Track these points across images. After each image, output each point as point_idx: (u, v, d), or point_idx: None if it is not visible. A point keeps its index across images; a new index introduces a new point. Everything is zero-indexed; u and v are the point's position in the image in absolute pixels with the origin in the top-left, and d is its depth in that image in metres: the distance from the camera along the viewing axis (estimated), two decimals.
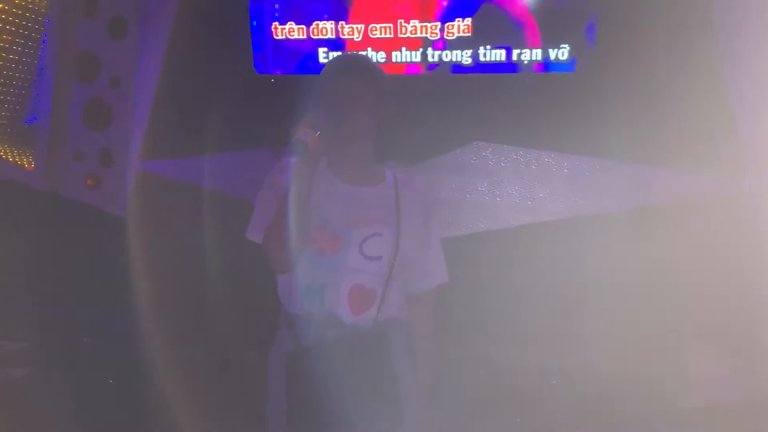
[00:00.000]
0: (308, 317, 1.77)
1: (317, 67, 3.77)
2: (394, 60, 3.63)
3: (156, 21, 3.89)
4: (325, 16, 3.72)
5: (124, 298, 3.27)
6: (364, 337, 1.77)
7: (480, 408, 2.72)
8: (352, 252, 1.76)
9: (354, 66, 1.86)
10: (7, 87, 4.18)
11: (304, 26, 3.75)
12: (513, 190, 3.44)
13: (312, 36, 3.76)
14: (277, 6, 3.76)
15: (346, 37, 3.72)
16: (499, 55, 3.53)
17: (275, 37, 3.79)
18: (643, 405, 2.82)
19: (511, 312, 3.04)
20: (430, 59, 3.63)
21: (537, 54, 3.48)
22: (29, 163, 3.93)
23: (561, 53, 3.43)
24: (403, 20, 3.62)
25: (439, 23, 3.58)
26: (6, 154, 4.02)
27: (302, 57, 3.80)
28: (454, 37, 3.58)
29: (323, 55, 3.77)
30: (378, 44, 3.67)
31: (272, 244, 1.69)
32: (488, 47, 3.52)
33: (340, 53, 3.62)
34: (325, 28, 3.74)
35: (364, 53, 3.54)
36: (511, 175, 3.44)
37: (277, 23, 3.78)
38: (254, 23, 3.83)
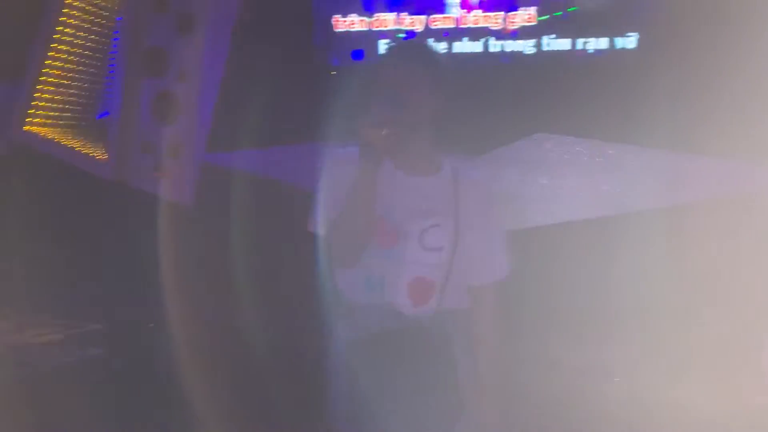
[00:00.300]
0: (368, 308, 1.77)
1: (378, 59, 3.77)
2: (455, 51, 3.60)
3: (221, 16, 3.97)
4: (387, 7, 3.71)
5: (188, 286, 3.36)
6: (425, 329, 1.76)
7: (544, 406, 2.66)
8: (412, 243, 1.73)
9: (412, 53, 1.84)
10: (82, 82, 4.36)
11: (365, 18, 3.76)
12: (575, 183, 3.36)
13: (373, 28, 3.76)
14: None
15: (407, 28, 3.71)
16: (563, 44, 3.44)
17: (336, 29, 3.81)
18: (716, 404, 2.71)
19: (578, 309, 2.96)
20: (491, 49, 3.58)
21: (603, 43, 3.38)
22: (101, 154, 4.09)
23: (629, 42, 3.32)
24: (465, 10, 3.58)
25: (502, 13, 3.52)
26: (80, 145, 4.20)
27: (363, 49, 3.81)
28: (517, 27, 3.51)
29: (384, 46, 3.77)
30: (439, 35, 3.64)
31: (340, 238, 1.69)
32: (553, 36, 3.44)
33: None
34: (386, 20, 3.73)
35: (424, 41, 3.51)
36: (573, 168, 3.36)
37: (338, 16, 3.80)
38: (316, 16, 3.86)
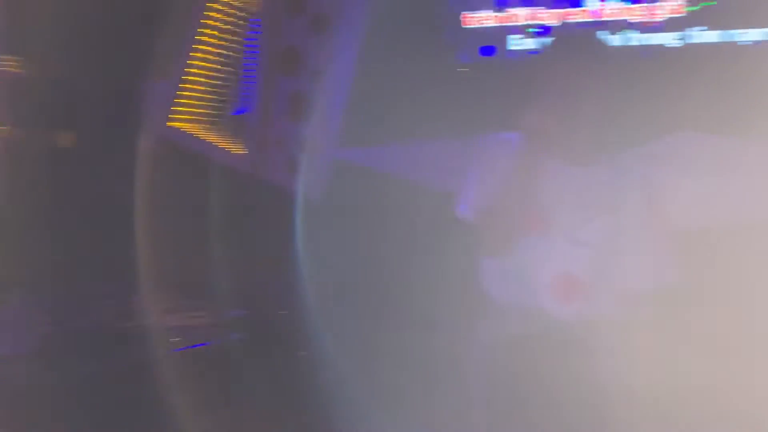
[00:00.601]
0: (511, 305, 1.71)
1: (509, 55, 3.68)
2: None
3: (353, 16, 4.01)
4: (519, 1, 3.61)
5: (318, 280, 3.41)
6: (569, 332, 1.67)
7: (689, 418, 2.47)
8: (562, 236, 1.67)
9: (581, 44, 1.78)
10: (221, 80, 4.56)
11: (496, 13, 3.67)
12: (725, 185, 3.09)
13: (504, 23, 3.66)
14: None
15: (541, 22, 3.58)
16: (713, 36, 3.19)
17: (465, 26, 3.75)
18: None
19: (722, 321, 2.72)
20: (632, 43, 3.38)
21: (760, 35, 3.10)
22: (239, 149, 4.27)
23: None
24: (603, 2, 3.40)
25: (645, 4, 3.31)
26: (219, 141, 4.41)
27: (493, 45, 3.73)
28: (662, 19, 3.29)
29: (514, 42, 3.66)
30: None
31: (493, 227, 1.65)
32: (703, 28, 3.19)
33: (547, 36, 3.48)
34: (518, 15, 3.63)
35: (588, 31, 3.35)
36: (723, 169, 3.09)
37: (468, 12, 3.74)
38: (445, 13, 3.81)
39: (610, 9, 3.37)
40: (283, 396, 2.75)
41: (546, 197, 1.64)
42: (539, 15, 3.57)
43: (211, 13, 4.32)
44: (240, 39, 4.43)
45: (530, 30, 3.62)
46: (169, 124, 4.24)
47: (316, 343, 3.14)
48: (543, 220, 1.64)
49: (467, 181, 1.75)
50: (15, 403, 2.76)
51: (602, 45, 1.79)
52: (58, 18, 3.67)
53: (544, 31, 3.57)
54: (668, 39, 3.27)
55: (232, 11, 4.39)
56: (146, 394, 2.68)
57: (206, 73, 4.39)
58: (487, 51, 3.73)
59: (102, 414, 2.65)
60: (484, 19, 3.68)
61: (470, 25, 3.71)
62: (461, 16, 3.74)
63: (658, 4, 3.27)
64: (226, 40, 4.41)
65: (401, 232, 3.13)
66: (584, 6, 3.44)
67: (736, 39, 3.15)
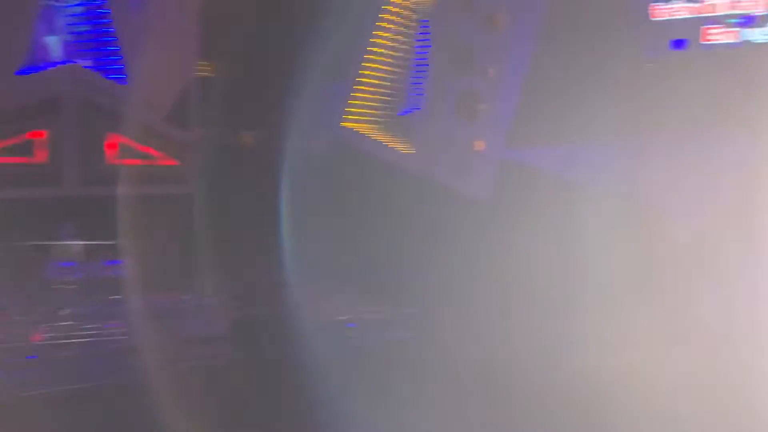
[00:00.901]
0: (733, 336, 1.49)
1: (702, 48, 3.34)
2: None
3: (527, 14, 3.84)
4: None
5: (487, 280, 3.30)
6: None
7: None
8: None
9: None
10: (390, 81, 4.56)
11: (689, 4, 3.34)
12: None
13: (698, 14, 3.32)
14: None
15: (744, 12, 3.20)
16: None
17: (653, 18, 3.46)
18: None
19: None
20: None
21: None
22: (408, 148, 4.23)
23: None
24: None
25: None
26: (388, 140, 4.40)
27: (685, 38, 3.40)
28: None
29: (712, 33, 3.31)
30: None
31: (710, 246, 1.45)
32: None
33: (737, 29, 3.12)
34: (716, 5, 3.27)
35: None
36: None
37: (658, 4, 3.44)
38: (630, 6, 3.54)
39: None
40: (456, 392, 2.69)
41: None
42: (741, 4, 3.19)
43: (386, 15, 4.33)
44: (411, 39, 4.41)
45: (730, 21, 3.25)
46: (343, 124, 4.32)
47: (487, 344, 3.04)
48: None
49: (675, 194, 1.54)
50: (205, 381, 2.94)
51: None
52: (245, 24, 3.86)
53: (748, 21, 3.19)
54: None
55: (405, 12, 4.37)
56: (321, 382, 2.75)
57: (378, 74, 4.41)
58: (679, 44, 3.41)
59: (280, 396, 2.75)
60: (675, 10, 3.37)
61: (659, 17, 3.42)
62: (649, 7, 3.46)
63: None
64: (398, 40, 4.40)
65: (588, 242, 2.92)
66: None
67: None
